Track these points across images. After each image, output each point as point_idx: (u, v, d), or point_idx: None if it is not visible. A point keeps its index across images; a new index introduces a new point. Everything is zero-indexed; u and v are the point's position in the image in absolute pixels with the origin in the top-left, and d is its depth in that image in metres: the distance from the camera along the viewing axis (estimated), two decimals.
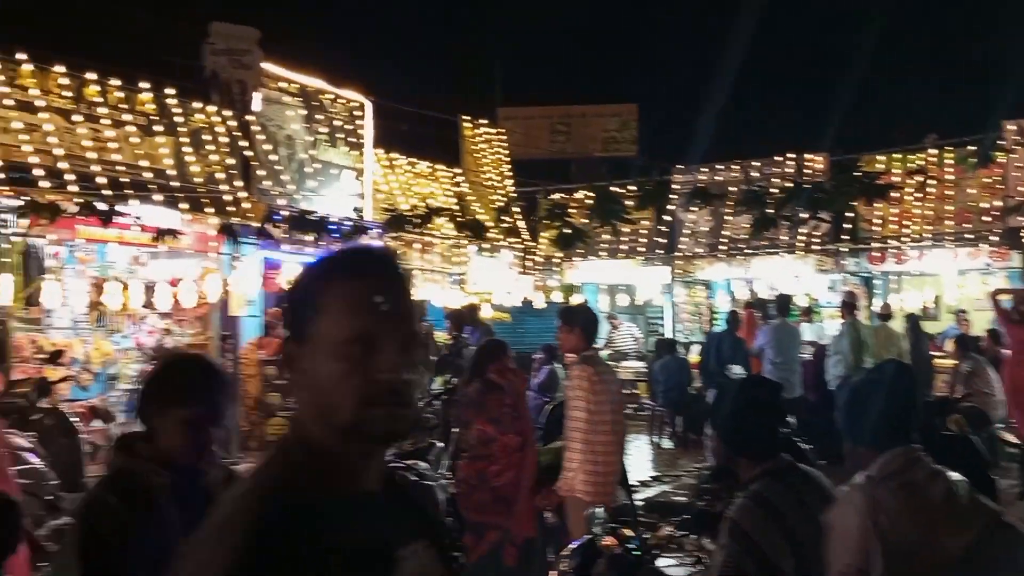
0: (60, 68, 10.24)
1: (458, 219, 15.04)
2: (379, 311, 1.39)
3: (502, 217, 16.50)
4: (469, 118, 17.88)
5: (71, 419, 8.51)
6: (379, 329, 1.38)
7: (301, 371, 1.41)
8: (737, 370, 11.55)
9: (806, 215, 13.94)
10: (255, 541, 1.26)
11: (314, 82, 13.61)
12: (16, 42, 9.92)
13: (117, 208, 9.94)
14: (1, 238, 9.39)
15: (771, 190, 13.98)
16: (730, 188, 15.66)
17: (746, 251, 16.01)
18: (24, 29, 10.58)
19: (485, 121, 18.38)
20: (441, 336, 10.52)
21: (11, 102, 9.66)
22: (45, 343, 10.03)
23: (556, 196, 17.95)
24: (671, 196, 16.13)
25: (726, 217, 16.09)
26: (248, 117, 12.26)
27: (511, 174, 18.40)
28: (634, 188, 16.01)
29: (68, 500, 6.73)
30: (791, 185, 14.12)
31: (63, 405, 8.89)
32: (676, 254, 16.85)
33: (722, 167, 16.56)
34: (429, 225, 14.52)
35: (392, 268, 1.47)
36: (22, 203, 9.18)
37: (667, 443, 13.97)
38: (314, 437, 1.38)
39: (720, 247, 16.37)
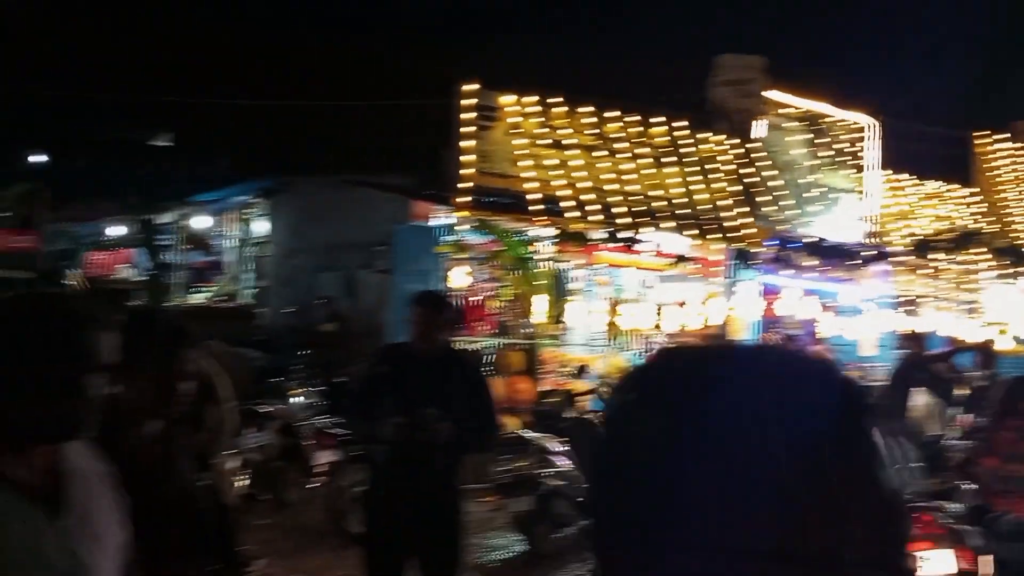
0: (586, 108, 11.31)
1: (993, 244, 13.85)
2: None
3: None
4: (985, 133, 16.40)
5: (595, 428, 9.29)
6: None
7: None
8: None
9: None
10: None
11: (818, 106, 13.46)
12: (550, 88, 11.16)
13: (636, 236, 10.73)
14: (533, 264, 10.60)
15: None
16: None
17: None
18: (555, 76, 11.84)
19: (1004, 135, 16.71)
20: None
21: (547, 141, 10.87)
22: (566, 357, 11.08)
23: None
24: None
25: None
26: (751, 144, 12.48)
27: None
28: None
29: None
30: None
31: (586, 416, 9.74)
32: None
33: None
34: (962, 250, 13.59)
35: None
36: (555, 232, 10.28)
37: None
38: None
39: None
